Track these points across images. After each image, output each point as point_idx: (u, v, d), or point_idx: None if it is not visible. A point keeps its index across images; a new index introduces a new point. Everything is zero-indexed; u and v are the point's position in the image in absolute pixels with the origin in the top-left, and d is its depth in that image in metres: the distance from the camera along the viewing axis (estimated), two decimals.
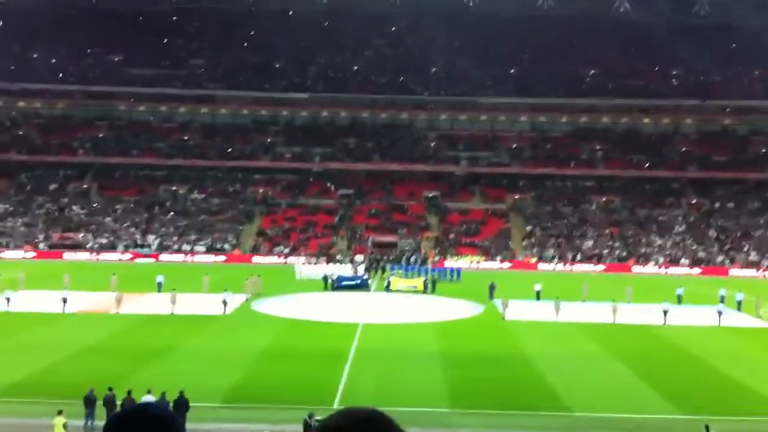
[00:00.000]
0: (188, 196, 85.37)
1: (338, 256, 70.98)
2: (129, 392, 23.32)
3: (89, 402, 23.45)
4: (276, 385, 28.38)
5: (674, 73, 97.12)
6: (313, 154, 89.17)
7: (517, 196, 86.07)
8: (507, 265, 72.97)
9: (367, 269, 62.65)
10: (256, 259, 72.77)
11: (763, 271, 71.88)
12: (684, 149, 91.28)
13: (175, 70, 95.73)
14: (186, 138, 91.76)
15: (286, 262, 70.65)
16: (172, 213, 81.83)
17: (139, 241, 76.19)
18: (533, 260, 74.14)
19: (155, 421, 2.10)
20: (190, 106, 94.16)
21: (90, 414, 23.46)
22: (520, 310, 44.90)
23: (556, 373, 31.11)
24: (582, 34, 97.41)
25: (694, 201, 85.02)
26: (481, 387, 28.85)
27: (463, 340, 37.63)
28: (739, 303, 47.93)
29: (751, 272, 71.17)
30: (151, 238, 76.97)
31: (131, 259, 72.00)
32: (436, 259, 72.20)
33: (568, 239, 78.45)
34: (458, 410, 26.14)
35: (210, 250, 75.33)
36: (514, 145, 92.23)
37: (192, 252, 74.64)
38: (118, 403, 22.90)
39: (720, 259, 74.92)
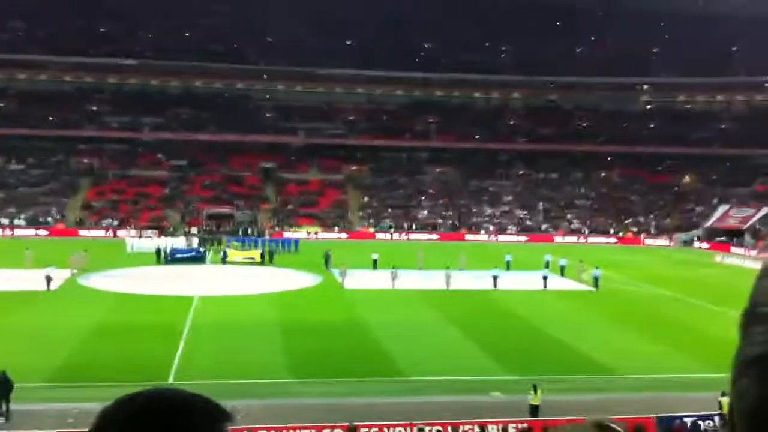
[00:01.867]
0: (6, 166, 79.93)
1: (171, 229, 68.87)
2: None
3: None
4: (107, 363, 27.16)
5: (504, 48, 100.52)
6: (142, 123, 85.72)
7: (354, 168, 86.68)
8: (345, 235, 73.49)
9: (202, 241, 61.20)
10: (83, 232, 69.34)
11: (584, 238, 76.34)
12: (512, 122, 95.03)
13: None
14: (2, 105, 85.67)
15: (115, 236, 67.78)
16: None
17: None
18: (370, 230, 75.05)
19: None
20: (6, 71, 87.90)
21: None
22: (358, 279, 45.36)
23: (393, 339, 31.66)
24: (418, 7, 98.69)
25: (522, 172, 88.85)
26: (320, 356, 28.88)
27: (302, 310, 37.55)
28: (563, 268, 50.66)
29: (573, 239, 75.46)
30: None
31: None
32: (274, 230, 71.60)
33: (404, 209, 79.97)
34: (298, 380, 26.05)
35: (32, 223, 71.04)
36: (351, 117, 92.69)
37: (12, 226, 70.09)
38: None
39: (545, 227, 78.86)
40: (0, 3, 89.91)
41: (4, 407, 21.97)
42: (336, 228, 75.07)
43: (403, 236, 74.21)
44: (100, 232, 69.68)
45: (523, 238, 75.39)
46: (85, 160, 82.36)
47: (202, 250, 57.15)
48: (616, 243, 75.84)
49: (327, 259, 51.15)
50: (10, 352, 27.29)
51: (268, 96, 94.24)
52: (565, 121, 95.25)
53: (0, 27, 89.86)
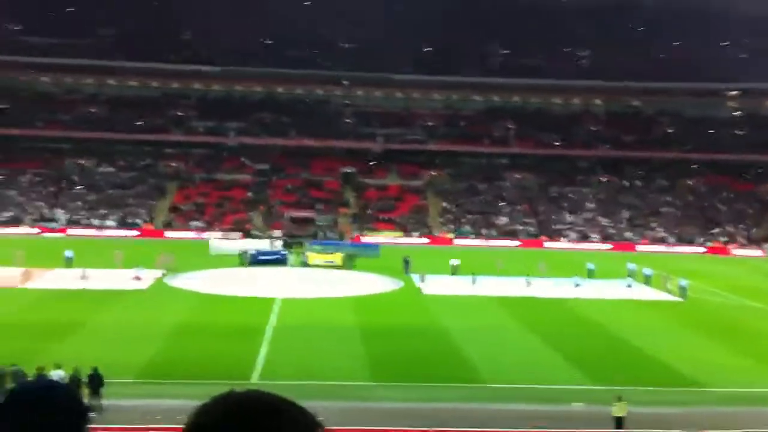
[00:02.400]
0: (96, 169, 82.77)
1: (254, 232, 70.11)
2: (41, 369, 22.48)
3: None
4: (193, 361, 27.87)
5: (584, 54, 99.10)
6: (227, 128, 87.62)
7: (433, 173, 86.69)
8: (424, 240, 73.51)
9: (284, 244, 62.09)
10: (170, 234, 71.21)
11: (670, 247, 74.47)
12: (593, 128, 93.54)
13: (81, 39, 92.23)
14: (93, 110, 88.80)
15: (201, 238, 69.39)
16: (80, 186, 79.23)
17: (46, 215, 73.55)
18: (450, 236, 74.90)
19: (55, 402, 1.86)
20: (97, 77, 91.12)
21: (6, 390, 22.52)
22: (437, 285, 45.35)
23: (473, 345, 31.55)
24: (494, 13, 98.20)
25: (604, 179, 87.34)
26: (400, 360, 29.01)
27: (382, 314, 37.75)
28: (648, 277, 49.53)
29: (658, 248, 73.66)
30: (59, 212, 74.39)
31: (39, 233, 69.45)
32: (354, 234, 72.16)
33: (483, 215, 79.55)
34: (378, 383, 26.22)
35: (121, 224, 73.34)
36: (429, 123, 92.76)
37: (102, 227, 72.51)
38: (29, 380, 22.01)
39: (629, 235, 77.28)
40: (89, 12, 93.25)
41: (96, 402, 22.74)
42: (415, 233, 75.16)
43: (483, 242, 73.78)
44: (187, 234, 71.43)
45: (605, 246, 74.01)
46: (172, 164, 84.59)
47: (284, 252, 57.92)
48: (703, 253, 73.75)
49: (406, 264, 51.27)
50: (101, 348, 28.30)
51: (347, 101, 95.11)
52: (648, 128, 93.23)
53: (90, 34, 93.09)
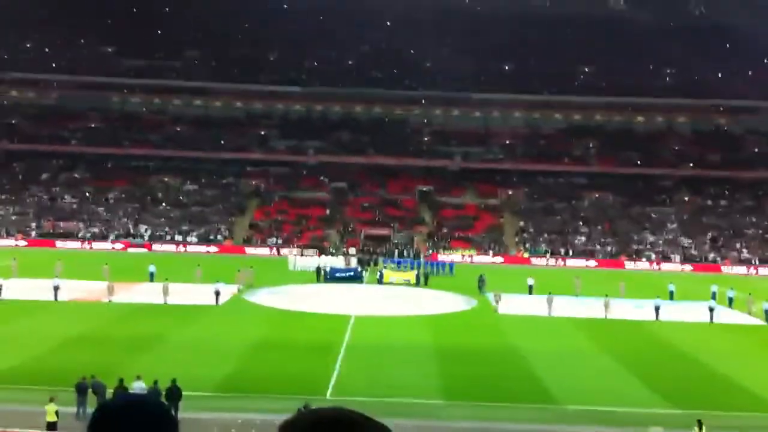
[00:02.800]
0: (181, 187, 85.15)
1: (331, 249, 70.93)
2: (120, 380, 23.25)
3: (81, 389, 23.40)
4: (269, 376, 28.38)
5: (668, 71, 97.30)
6: (306, 147, 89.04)
7: (510, 192, 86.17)
8: (500, 259, 73.07)
9: (360, 262, 62.61)
10: (249, 250, 72.68)
11: (755, 269, 72.18)
12: (677, 147, 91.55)
13: (169, 61, 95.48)
14: (179, 129, 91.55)
15: (278, 254, 70.58)
16: (164, 204, 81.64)
17: (131, 231, 76.01)
18: (526, 255, 74.26)
19: (149, 414, 1.91)
20: (183, 97, 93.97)
21: (82, 402, 23.40)
22: (512, 304, 44.99)
23: (548, 367, 31.17)
24: (576, 31, 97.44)
25: (686, 198, 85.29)
26: (473, 380, 28.89)
27: (455, 333, 37.66)
28: (731, 300, 48.10)
29: (742, 270, 71.46)
30: (143, 228, 76.80)
31: (123, 248, 71.79)
32: (429, 252, 72.24)
33: (560, 235, 78.60)
34: (451, 402, 26.19)
35: (202, 240, 75.21)
36: (507, 141, 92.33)
37: (184, 242, 74.49)
38: (110, 390, 22.79)
39: (712, 256, 75.20)
40: (176, 34, 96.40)
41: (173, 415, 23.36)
42: (491, 252, 74.77)
43: (559, 262, 72.87)
44: (265, 250, 72.76)
45: (687, 267, 72.18)
46: (253, 182, 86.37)
47: (359, 270, 58.41)
48: None
49: (481, 282, 51.06)
50: (181, 362, 29.04)
51: (425, 120, 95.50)
52: (733, 147, 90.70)
53: (176, 56, 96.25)
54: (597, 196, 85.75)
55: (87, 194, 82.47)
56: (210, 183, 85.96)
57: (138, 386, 23.58)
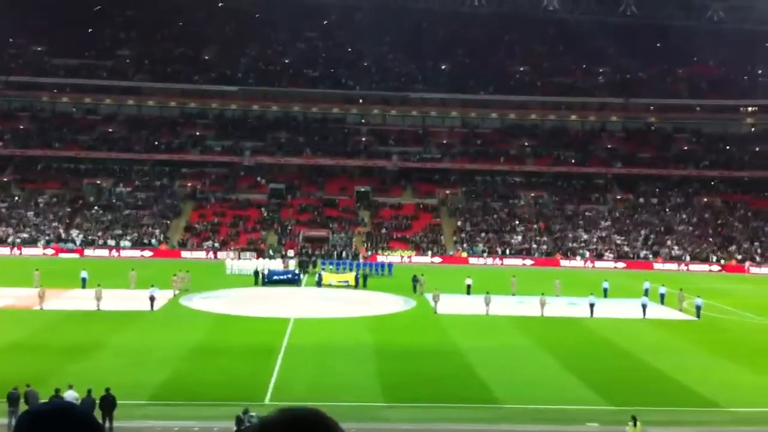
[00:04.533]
0: (113, 189, 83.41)
1: (269, 251, 70.30)
2: (56, 390, 22.57)
3: (12, 400, 22.68)
4: (206, 382, 27.91)
5: (601, 70, 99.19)
6: (243, 147, 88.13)
7: (447, 191, 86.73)
8: (438, 259, 73.45)
9: (298, 264, 62.21)
10: (185, 254, 71.54)
11: (685, 265, 74.02)
12: (609, 146, 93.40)
13: (101, 61, 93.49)
14: (111, 130, 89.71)
15: (215, 257, 69.68)
16: (96, 207, 79.83)
17: (62, 236, 74.12)
18: (464, 255, 74.81)
19: (74, 423, 1.86)
20: (115, 97, 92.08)
21: (14, 412, 22.66)
22: (451, 304, 45.22)
23: (486, 365, 31.41)
24: (512, 31, 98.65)
25: (619, 197, 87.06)
26: (413, 380, 28.91)
27: (395, 333, 37.67)
28: (662, 296, 49.19)
29: (673, 266, 73.25)
30: (74, 232, 74.95)
31: (54, 254, 69.99)
32: (368, 254, 72.20)
33: (497, 234, 79.40)
34: (391, 404, 26.14)
35: (136, 245, 73.77)
36: (445, 141, 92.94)
37: (118, 247, 72.96)
38: (43, 400, 22.08)
39: (644, 253, 76.86)
40: (108, 33, 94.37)
41: (107, 424, 22.79)
42: (429, 252, 75.11)
43: (497, 261, 73.63)
44: (202, 254, 71.75)
45: (620, 264, 73.66)
46: (189, 184, 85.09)
47: (297, 272, 58.05)
48: (719, 271, 73.25)
49: (415, 282, 51.23)
50: (116, 370, 28.39)
51: (363, 120, 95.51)
52: (665, 145, 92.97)
53: (109, 56, 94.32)
54: (533, 195, 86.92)
55: (16, 198, 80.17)
56: (144, 185, 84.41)
57: (70, 395, 22.92)
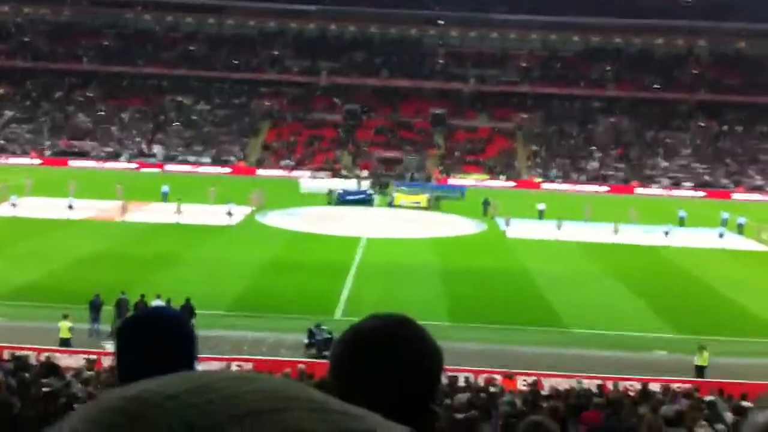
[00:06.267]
0: (194, 107, 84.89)
1: (343, 171, 70.97)
2: (142, 296, 23.72)
3: (95, 307, 23.90)
4: (280, 295, 28.88)
5: None
6: (320, 68, 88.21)
7: (524, 116, 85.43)
8: (511, 184, 72.95)
9: (371, 184, 62.70)
10: (261, 171, 72.82)
11: (767, 195, 71.75)
12: (695, 71, 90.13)
13: None
14: (192, 48, 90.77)
15: (291, 176, 70.74)
16: (177, 123, 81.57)
17: (144, 151, 76.22)
18: (537, 180, 74.10)
19: (170, 325, 2.08)
20: (196, 15, 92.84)
21: (95, 318, 23.92)
22: (522, 229, 45.19)
23: (555, 290, 31.54)
24: None
25: (702, 124, 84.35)
26: (480, 302, 29.31)
27: (464, 256, 37.97)
28: (741, 226, 48.07)
29: (755, 196, 71.08)
30: (156, 148, 76.95)
31: (136, 168, 72.09)
32: (441, 176, 72.20)
33: (573, 160, 78.23)
34: (457, 324, 26.60)
35: (215, 161, 75.36)
36: (524, 64, 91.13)
37: (197, 163, 74.68)
38: (131, 306, 23.24)
39: (724, 182, 74.79)
40: None
41: None
42: (503, 176, 74.60)
43: (571, 187, 72.65)
44: (278, 172, 72.87)
45: (699, 193, 71.89)
46: (266, 103, 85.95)
47: (371, 192, 58.52)
48: None
49: (486, 205, 51.10)
50: (194, 281, 29.55)
51: (440, 42, 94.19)
52: (753, 71, 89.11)
53: None
54: (612, 120, 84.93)
55: (100, 113, 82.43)
56: (223, 103, 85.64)
57: (157, 304, 24.06)
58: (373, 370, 1.45)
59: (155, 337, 2.01)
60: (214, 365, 20.08)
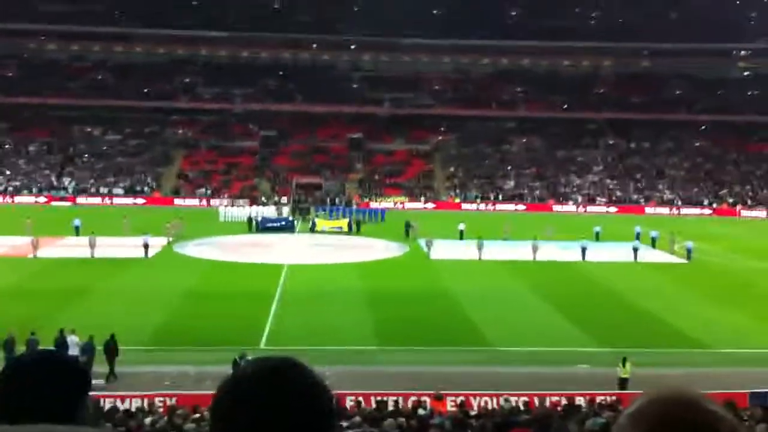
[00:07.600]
0: (104, 137, 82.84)
1: (262, 198, 70.29)
2: (61, 331, 22.83)
3: (8, 346, 22.85)
4: (202, 327, 28.17)
5: (593, 15, 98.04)
6: (233, 94, 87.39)
7: (440, 138, 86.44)
8: (431, 205, 73.57)
9: (291, 211, 62.26)
10: (178, 201, 71.48)
11: (677, 209, 74.37)
12: (602, 91, 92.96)
13: (88, 5, 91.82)
14: (100, 77, 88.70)
15: (208, 205, 69.65)
16: (87, 155, 79.40)
17: (54, 184, 73.86)
18: (456, 200, 74.93)
19: (58, 370, 1.88)
20: (103, 44, 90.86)
21: (10, 358, 22.84)
22: (444, 250, 45.47)
23: (479, 309, 31.74)
24: None
25: (611, 141, 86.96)
26: (406, 324, 29.22)
27: (388, 279, 37.96)
28: (654, 240, 49.56)
29: (665, 210, 73.58)
30: (66, 180, 74.69)
31: (47, 202, 69.81)
32: (362, 200, 72.26)
33: (490, 179, 79.45)
34: (384, 347, 26.46)
35: (129, 192, 73.60)
36: (437, 87, 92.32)
37: (110, 195, 72.80)
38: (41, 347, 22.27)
39: (635, 197, 77.15)
40: None
41: (109, 369, 23.02)
42: (422, 198, 75.19)
43: (490, 207, 73.74)
44: (194, 201, 71.67)
45: (612, 209, 73.96)
46: (179, 131, 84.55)
47: (291, 219, 58.14)
48: (710, 214, 73.63)
49: (408, 227, 51.43)
50: (110, 315, 28.58)
51: (354, 66, 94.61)
52: (657, 89, 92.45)
53: (96, 0, 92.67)
54: (525, 140, 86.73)
55: (6, 146, 79.60)
56: (134, 133, 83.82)
57: (71, 340, 23.17)
58: (255, 416, 1.41)
59: (36, 384, 1.85)
60: (136, 402, 19.40)
